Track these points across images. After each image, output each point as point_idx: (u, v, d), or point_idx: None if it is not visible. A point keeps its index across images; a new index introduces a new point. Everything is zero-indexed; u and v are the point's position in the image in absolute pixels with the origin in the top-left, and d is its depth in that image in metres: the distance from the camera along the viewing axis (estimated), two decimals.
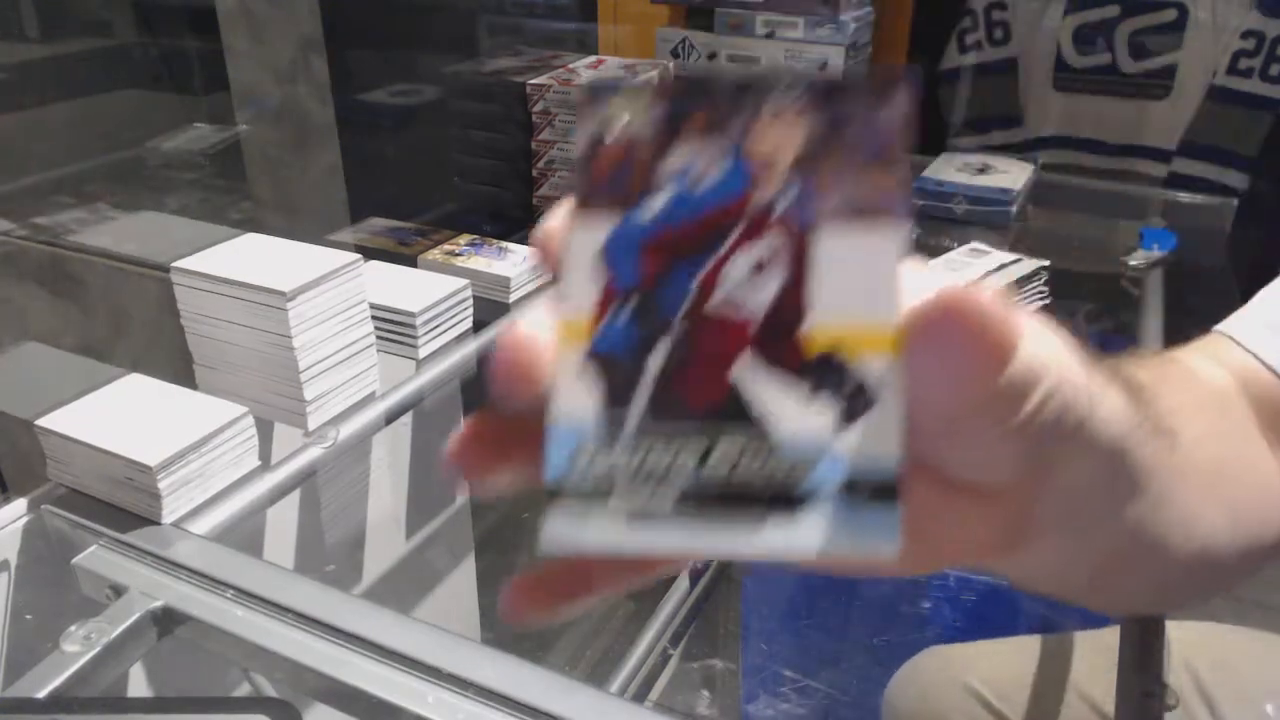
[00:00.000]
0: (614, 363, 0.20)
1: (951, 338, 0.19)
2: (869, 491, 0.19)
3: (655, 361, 0.20)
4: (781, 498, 0.19)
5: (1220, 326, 0.44)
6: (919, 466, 0.24)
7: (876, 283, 0.20)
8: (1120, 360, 0.36)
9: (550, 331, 0.20)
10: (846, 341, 0.20)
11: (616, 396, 0.20)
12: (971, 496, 0.26)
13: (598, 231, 0.20)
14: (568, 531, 0.20)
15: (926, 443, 0.24)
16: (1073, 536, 0.29)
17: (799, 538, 0.19)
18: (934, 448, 0.24)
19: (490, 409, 0.22)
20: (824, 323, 0.20)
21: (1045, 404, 0.22)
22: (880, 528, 0.19)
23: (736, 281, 0.20)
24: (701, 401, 0.20)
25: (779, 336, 0.20)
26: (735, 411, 0.20)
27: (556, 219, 0.21)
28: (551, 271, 0.21)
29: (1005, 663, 0.73)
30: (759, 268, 0.20)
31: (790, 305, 0.20)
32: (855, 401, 0.19)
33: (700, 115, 0.21)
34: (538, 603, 0.25)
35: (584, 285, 0.20)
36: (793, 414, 0.20)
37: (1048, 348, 0.22)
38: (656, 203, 0.21)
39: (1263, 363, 0.42)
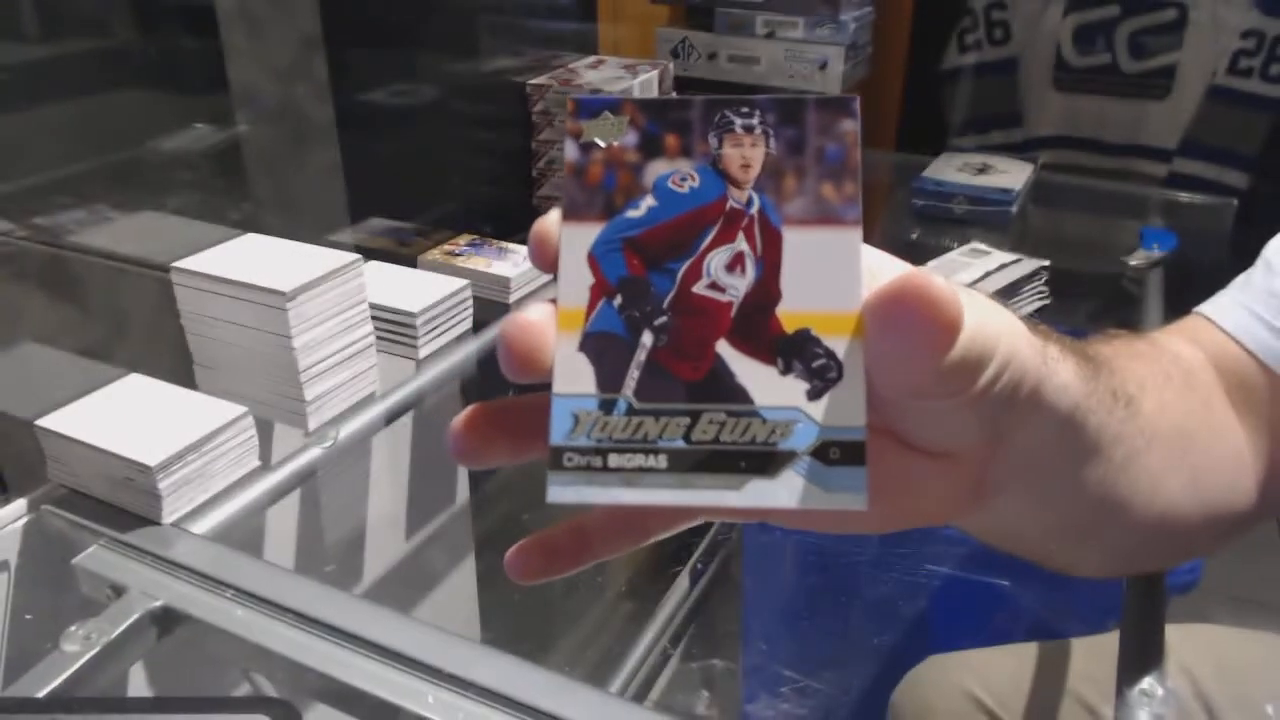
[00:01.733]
0: (608, 342, 0.23)
1: (905, 319, 0.21)
2: (838, 453, 0.22)
3: (646, 340, 0.23)
4: (761, 459, 0.22)
5: (1199, 307, 0.47)
6: (885, 433, 0.28)
7: (840, 275, 0.23)
8: (1086, 338, 0.38)
9: (551, 318, 0.23)
10: (815, 325, 0.22)
11: (612, 371, 0.23)
12: (934, 460, 0.28)
13: (587, 235, 0.23)
14: (572, 486, 0.22)
15: (891, 412, 0.27)
16: (1033, 496, 0.32)
17: (778, 494, 0.22)
18: (898, 416, 0.27)
19: (489, 397, 0.26)
20: (795, 309, 0.23)
21: (998, 377, 0.25)
22: (849, 485, 0.22)
23: (716, 273, 0.23)
24: (688, 374, 0.23)
25: (756, 319, 0.23)
26: (719, 383, 0.22)
27: (550, 220, 0.24)
28: (547, 269, 0.24)
29: (1005, 670, 0.74)
30: (736, 262, 0.23)
31: (765, 293, 0.23)
32: (824, 376, 0.22)
33: (676, 132, 0.24)
34: (541, 562, 0.28)
35: (579, 280, 0.23)
36: (769, 386, 0.22)
37: (999, 325, 0.25)
38: (640, 208, 0.23)
39: (1233, 338, 0.44)
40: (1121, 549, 0.39)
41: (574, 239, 0.23)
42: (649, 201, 0.23)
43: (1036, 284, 0.96)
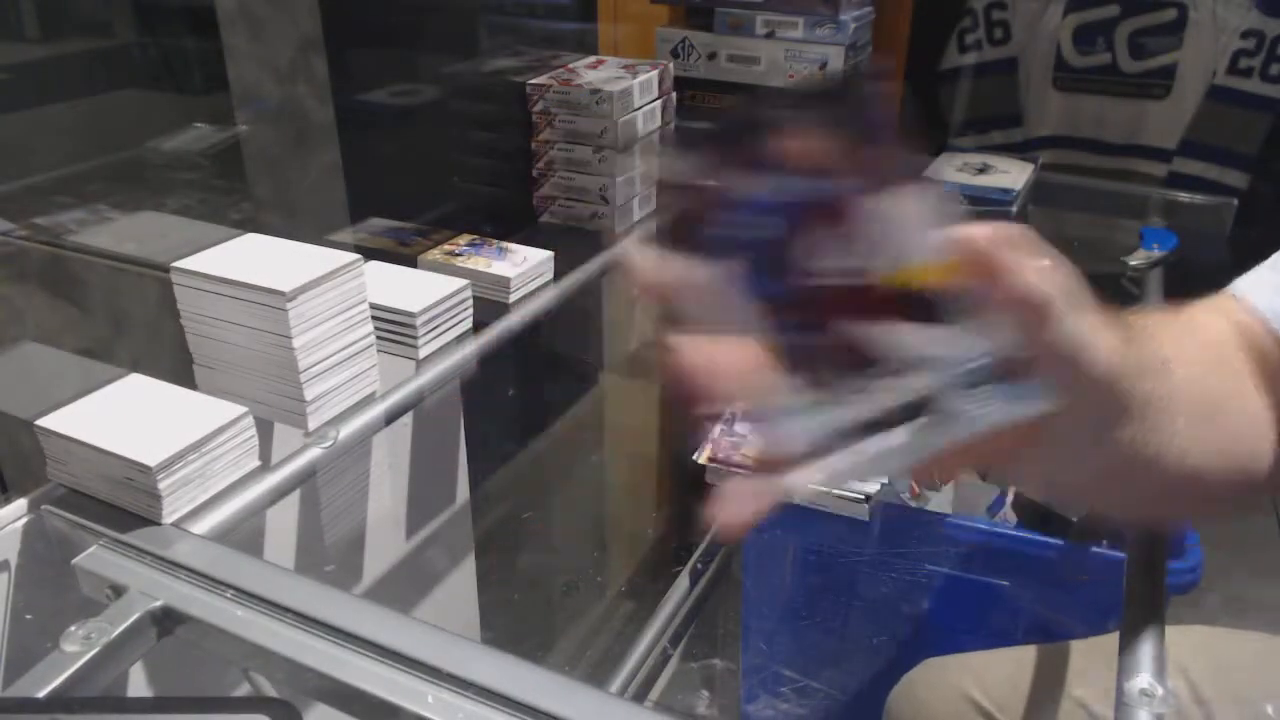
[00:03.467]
0: (790, 353, 0.26)
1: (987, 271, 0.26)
2: (1006, 371, 0.25)
3: (804, 341, 0.26)
4: (928, 400, 0.25)
5: (1229, 286, 0.49)
6: None
7: (925, 228, 0.25)
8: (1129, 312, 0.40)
9: (708, 353, 0.26)
10: (922, 276, 0.25)
11: (799, 377, 0.26)
12: None
13: (716, 264, 0.26)
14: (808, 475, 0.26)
15: None
16: (1069, 449, 0.35)
17: (973, 421, 0.25)
18: None
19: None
20: (903, 269, 0.25)
21: (1058, 325, 0.28)
22: (1029, 395, 0.26)
23: (832, 261, 0.26)
24: (846, 361, 0.26)
25: (875, 289, 0.26)
26: (875, 353, 0.26)
27: (646, 256, 0.27)
28: (655, 300, 0.27)
29: (1003, 672, 0.74)
30: (841, 246, 0.26)
31: (876, 262, 0.25)
32: (951, 317, 0.25)
33: (742, 148, 0.26)
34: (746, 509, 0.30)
35: (739, 312, 0.26)
36: (914, 340, 0.25)
37: (1060, 283, 0.28)
38: (753, 234, 0.26)
39: (1260, 316, 0.45)
40: (1152, 498, 0.43)
41: (705, 273, 0.26)
42: (753, 221, 0.26)
43: None
